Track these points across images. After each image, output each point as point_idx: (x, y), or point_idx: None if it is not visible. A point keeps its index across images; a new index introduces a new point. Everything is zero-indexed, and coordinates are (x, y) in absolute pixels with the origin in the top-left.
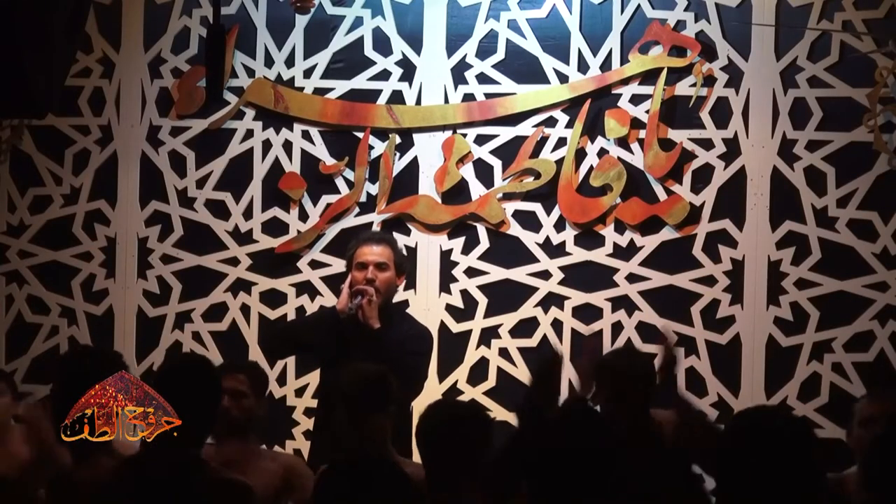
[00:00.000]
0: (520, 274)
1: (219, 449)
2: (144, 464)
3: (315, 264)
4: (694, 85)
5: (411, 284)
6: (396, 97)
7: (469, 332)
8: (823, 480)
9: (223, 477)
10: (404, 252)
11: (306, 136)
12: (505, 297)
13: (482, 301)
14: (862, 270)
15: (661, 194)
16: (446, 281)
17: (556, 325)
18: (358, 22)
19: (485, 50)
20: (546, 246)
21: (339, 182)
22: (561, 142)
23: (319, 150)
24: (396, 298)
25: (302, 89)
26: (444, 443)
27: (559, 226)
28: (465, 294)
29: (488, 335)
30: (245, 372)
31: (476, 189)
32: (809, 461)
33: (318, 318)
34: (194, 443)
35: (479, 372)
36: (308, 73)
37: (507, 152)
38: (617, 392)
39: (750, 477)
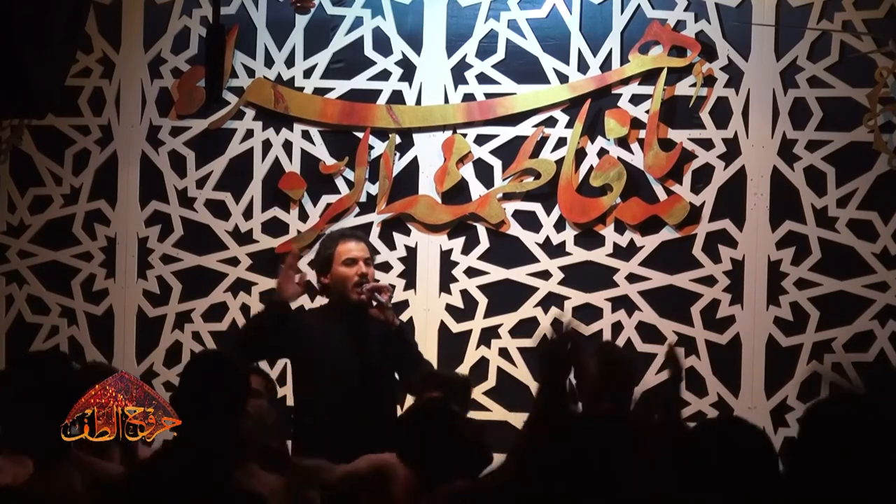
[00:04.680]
0: (520, 274)
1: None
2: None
3: None
4: (694, 85)
5: (411, 284)
6: (396, 97)
7: (469, 332)
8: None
9: (244, 489)
10: None
11: (306, 136)
12: (505, 297)
13: (482, 301)
14: (862, 270)
15: (661, 194)
16: (446, 281)
17: (556, 325)
18: (358, 22)
19: (485, 50)
20: (546, 246)
21: (339, 182)
22: (561, 142)
23: (319, 150)
24: (397, 298)
25: (302, 89)
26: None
27: (559, 226)
28: (465, 294)
29: (488, 335)
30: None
31: (476, 189)
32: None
33: (280, 321)
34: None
35: (479, 372)
36: (308, 73)
37: (507, 152)
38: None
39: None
